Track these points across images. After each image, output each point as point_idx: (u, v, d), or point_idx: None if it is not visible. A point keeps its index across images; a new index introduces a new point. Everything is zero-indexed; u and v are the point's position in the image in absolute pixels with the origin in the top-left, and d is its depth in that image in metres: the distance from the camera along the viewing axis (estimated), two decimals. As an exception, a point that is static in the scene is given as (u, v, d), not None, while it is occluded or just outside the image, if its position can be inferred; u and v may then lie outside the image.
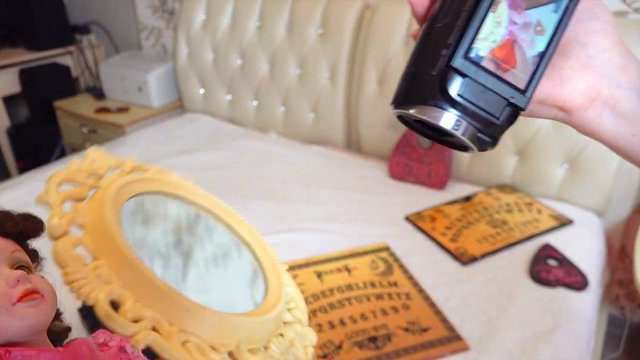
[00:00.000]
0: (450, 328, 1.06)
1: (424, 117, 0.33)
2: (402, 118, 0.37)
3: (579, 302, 1.13)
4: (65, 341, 0.49)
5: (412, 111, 0.34)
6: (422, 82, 0.34)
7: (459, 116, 0.33)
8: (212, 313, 0.24)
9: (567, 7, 0.34)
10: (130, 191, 0.26)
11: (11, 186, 1.65)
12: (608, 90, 0.36)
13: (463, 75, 0.32)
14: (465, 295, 1.15)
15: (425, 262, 1.26)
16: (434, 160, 1.58)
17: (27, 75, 2.38)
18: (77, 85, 2.59)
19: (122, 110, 2.26)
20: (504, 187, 1.55)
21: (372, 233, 1.37)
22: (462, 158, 1.63)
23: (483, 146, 0.36)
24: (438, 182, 1.58)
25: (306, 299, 1.14)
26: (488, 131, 0.34)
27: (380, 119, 1.76)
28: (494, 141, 0.35)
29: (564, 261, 1.22)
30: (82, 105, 2.34)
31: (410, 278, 1.21)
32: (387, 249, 1.31)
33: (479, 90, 0.33)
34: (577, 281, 1.16)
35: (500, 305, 1.11)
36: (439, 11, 0.34)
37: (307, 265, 1.24)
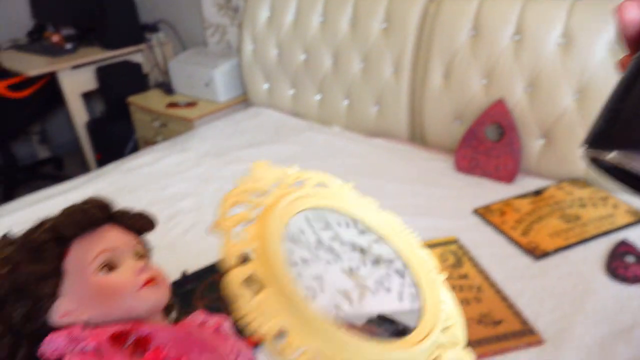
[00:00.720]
0: (524, 322, 1.07)
1: (630, 166, 0.28)
2: (595, 161, 0.31)
3: (660, 300, 1.10)
4: (170, 315, 0.56)
5: (612, 155, 0.29)
6: (631, 123, 0.28)
7: None
8: (371, 345, 0.26)
9: None
10: (297, 208, 0.29)
11: (94, 178, 1.78)
12: None
13: None
14: (539, 291, 1.14)
15: (495, 255, 1.26)
16: (502, 153, 1.57)
17: (103, 73, 2.53)
18: (147, 81, 2.73)
19: (191, 105, 2.37)
20: (576, 181, 1.52)
21: (440, 226, 1.38)
22: (531, 151, 1.60)
23: None
24: (506, 175, 1.57)
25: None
26: None
27: (445, 112, 1.76)
28: None
29: (642, 258, 1.19)
30: (153, 100, 2.47)
31: (481, 271, 1.22)
32: (456, 242, 1.32)
33: None
34: (657, 278, 1.13)
35: (576, 301, 1.10)
36: None
37: (377, 256, 1.28)
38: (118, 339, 0.43)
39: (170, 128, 2.36)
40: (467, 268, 1.23)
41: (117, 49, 2.58)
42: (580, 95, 1.49)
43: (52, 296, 0.44)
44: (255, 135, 2.03)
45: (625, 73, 0.30)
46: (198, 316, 0.51)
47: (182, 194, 1.64)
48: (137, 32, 2.64)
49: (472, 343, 1.02)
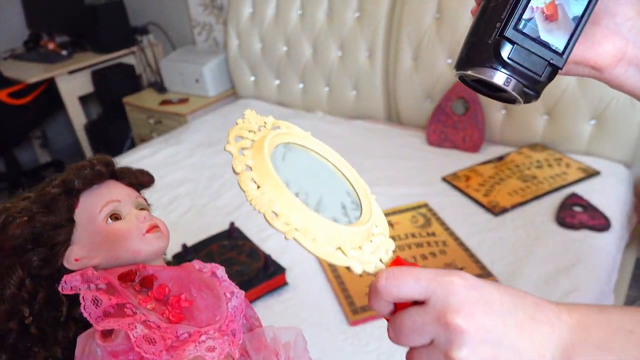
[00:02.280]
0: (482, 267, 1.22)
1: (482, 76, 0.42)
2: (462, 79, 0.46)
3: (601, 242, 1.25)
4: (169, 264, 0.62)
5: (470, 72, 0.42)
6: (480, 49, 0.42)
7: (509, 75, 0.41)
8: (331, 224, 0.38)
9: None
10: (275, 142, 0.41)
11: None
12: (632, 51, 0.44)
13: (513, 43, 0.41)
14: (496, 241, 1.30)
15: (460, 215, 1.41)
16: (467, 125, 1.71)
17: (98, 76, 2.66)
18: (140, 81, 2.87)
19: (183, 101, 2.51)
20: (535, 146, 1.67)
21: (412, 193, 1.53)
22: (494, 122, 1.75)
23: (528, 98, 0.44)
24: (472, 146, 1.71)
25: (355, 250, 1.32)
26: (533, 87, 0.42)
27: (416, 91, 1.90)
28: (537, 95, 0.44)
29: (588, 207, 1.34)
30: (147, 99, 2.60)
31: (447, 229, 1.37)
32: (425, 205, 1.47)
33: (525, 54, 0.41)
34: (599, 223, 1.28)
35: (527, 247, 1.25)
36: None
37: (355, 222, 1.42)
38: (125, 278, 0.48)
39: (165, 124, 2.50)
40: (434, 227, 1.38)
41: (110, 52, 2.71)
42: (535, 68, 1.63)
43: (66, 243, 0.49)
44: (244, 124, 2.17)
45: (475, 17, 0.45)
46: (195, 263, 0.56)
47: (179, 181, 1.78)
48: (128, 35, 2.77)
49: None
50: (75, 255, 0.50)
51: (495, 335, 0.34)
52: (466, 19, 1.73)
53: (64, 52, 2.67)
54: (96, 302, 0.45)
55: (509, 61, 0.41)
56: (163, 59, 2.67)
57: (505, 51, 0.41)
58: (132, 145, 2.76)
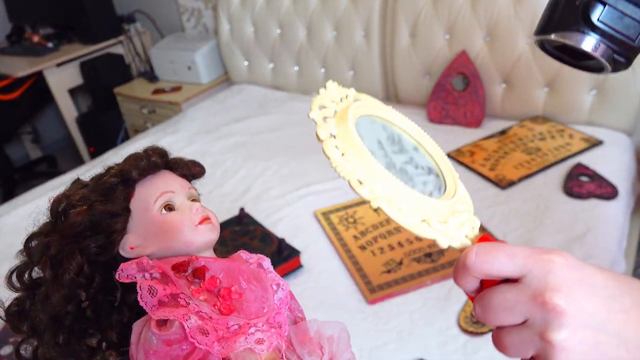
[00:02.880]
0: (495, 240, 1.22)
1: (567, 41, 0.38)
2: (542, 46, 0.42)
3: (610, 210, 1.26)
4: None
5: (554, 36, 0.39)
6: (566, 10, 0.38)
7: (598, 39, 0.38)
8: (417, 195, 0.38)
9: None
10: (358, 113, 0.40)
11: (94, 167, 1.90)
12: None
13: (604, 3, 0.37)
14: (506, 214, 1.31)
15: (467, 190, 1.41)
16: (468, 101, 1.71)
17: (87, 67, 2.61)
18: (130, 71, 2.82)
19: (176, 89, 2.47)
20: (536, 119, 1.67)
21: (418, 171, 1.53)
22: (495, 96, 1.75)
23: (617, 66, 0.40)
24: (474, 121, 1.71)
25: (366, 229, 1.33)
26: (624, 52, 0.39)
27: (414, 69, 1.89)
28: (628, 62, 0.40)
29: (595, 176, 1.36)
30: (139, 89, 2.57)
31: (456, 204, 1.37)
32: (432, 182, 1.47)
33: (618, 17, 0.37)
34: (607, 192, 1.30)
35: (537, 218, 1.27)
36: None
37: (363, 202, 1.42)
38: (179, 269, 0.48)
39: (159, 114, 2.47)
40: (443, 203, 1.39)
41: (97, 43, 2.66)
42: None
43: (122, 231, 0.50)
44: (241, 110, 2.15)
45: None
46: (242, 254, 0.55)
47: (180, 169, 1.76)
48: (115, 24, 2.71)
49: (452, 262, 1.18)
50: (131, 243, 0.51)
51: (598, 320, 0.32)
52: (463, -6, 1.72)
53: (50, 45, 2.61)
54: (152, 291, 0.45)
55: (599, 24, 0.38)
56: (152, 48, 2.62)
57: (596, 13, 0.38)
58: (126, 136, 2.73)
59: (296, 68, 2.23)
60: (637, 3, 0.38)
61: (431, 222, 0.37)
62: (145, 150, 0.55)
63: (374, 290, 1.14)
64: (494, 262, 0.33)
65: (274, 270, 0.56)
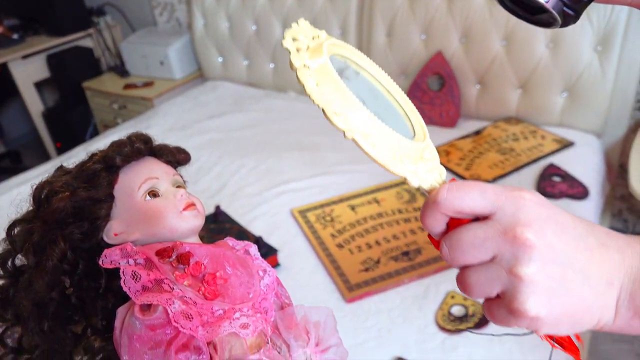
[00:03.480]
0: (471, 239, 1.24)
1: None
2: (501, 1, 0.45)
3: (581, 209, 1.29)
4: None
5: None
6: None
7: None
8: (392, 132, 0.36)
9: None
10: (331, 51, 0.39)
11: (62, 162, 1.84)
12: None
13: None
14: (482, 213, 1.32)
15: (444, 189, 1.43)
16: (444, 101, 1.73)
17: (55, 60, 2.53)
18: (100, 65, 2.74)
19: (148, 84, 2.42)
20: (510, 119, 1.70)
21: (395, 170, 1.54)
22: (469, 97, 1.77)
23: (567, 20, 0.42)
24: (449, 121, 1.73)
25: (344, 228, 1.32)
26: (572, 5, 0.41)
27: (391, 68, 1.90)
28: (577, 15, 0.42)
29: (566, 177, 1.39)
30: (109, 83, 2.50)
31: (432, 203, 1.38)
32: (409, 181, 1.48)
33: None
34: (578, 192, 1.33)
35: (512, 217, 1.28)
36: None
37: (341, 200, 1.42)
38: (163, 254, 0.48)
39: (130, 109, 2.41)
40: (420, 202, 1.39)
41: (65, 35, 2.57)
42: (508, 42, 1.66)
43: (106, 218, 0.50)
44: (215, 107, 2.12)
45: None
46: (228, 241, 0.55)
47: (153, 166, 1.72)
48: (84, 16, 2.63)
49: (430, 260, 1.19)
50: (115, 230, 0.50)
51: (565, 256, 0.32)
52: (440, -6, 1.73)
53: (15, 36, 2.52)
54: (135, 276, 0.45)
55: None
56: (123, 42, 2.56)
57: None
58: (96, 131, 2.65)
59: (272, 65, 2.21)
60: None
61: (403, 161, 0.36)
62: (129, 137, 0.54)
63: (352, 288, 1.13)
64: (466, 197, 0.33)
65: (260, 257, 0.56)
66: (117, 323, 0.45)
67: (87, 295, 0.50)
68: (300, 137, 1.77)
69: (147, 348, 0.44)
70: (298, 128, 1.84)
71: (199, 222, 0.52)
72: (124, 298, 0.47)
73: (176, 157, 0.57)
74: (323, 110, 0.35)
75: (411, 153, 0.37)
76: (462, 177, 1.46)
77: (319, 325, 0.55)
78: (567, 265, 0.32)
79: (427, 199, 0.35)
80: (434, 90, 1.75)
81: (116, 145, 0.53)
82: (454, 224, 0.34)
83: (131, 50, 2.49)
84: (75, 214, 0.49)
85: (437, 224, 0.35)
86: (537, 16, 0.44)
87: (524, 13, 0.44)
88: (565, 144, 1.54)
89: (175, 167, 0.57)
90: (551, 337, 0.37)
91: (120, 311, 0.46)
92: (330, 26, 1.98)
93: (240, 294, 0.49)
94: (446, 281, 1.14)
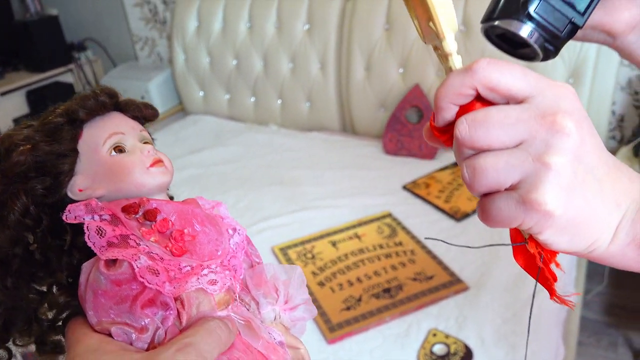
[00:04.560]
0: (452, 274, 1.24)
1: (508, 28, 0.45)
2: (487, 34, 0.48)
3: (560, 241, 1.30)
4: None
5: (497, 23, 0.46)
6: (508, 2, 0.46)
7: (533, 28, 0.45)
8: None
9: None
10: None
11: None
12: None
13: None
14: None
15: (424, 222, 1.44)
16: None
17: (34, 96, 2.52)
18: (80, 100, 2.73)
19: (128, 119, 2.41)
20: (488, 151, 1.72)
21: (375, 203, 1.54)
22: (448, 129, 1.79)
23: (547, 54, 0.46)
24: (429, 153, 1.75)
25: (325, 265, 1.31)
26: (553, 42, 0.46)
27: (370, 101, 1.92)
28: (556, 51, 0.46)
29: (544, 208, 1.40)
30: (89, 118, 2.48)
31: (413, 237, 1.38)
32: (389, 215, 1.48)
33: (550, 10, 0.45)
34: (556, 223, 1.34)
35: (492, 250, 1.29)
36: None
37: (322, 236, 1.42)
38: (129, 210, 0.47)
39: (110, 144, 2.39)
40: (401, 236, 1.39)
41: (45, 71, 2.56)
42: (483, 75, 1.69)
43: (69, 173, 0.48)
44: (196, 141, 2.12)
45: None
46: (198, 199, 0.54)
47: (133, 203, 1.70)
48: (65, 52, 2.63)
49: (411, 297, 1.18)
50: (79, 185, 0.49)
51: (592, 160, 0.31)
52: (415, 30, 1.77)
53: (-6, 72, 2.51)
54: (100, 232, 0.45)
55: (535, 15, 0.44)
56: (104, 76, 2.56)
57: (533, 5, 0.44)
58: (75, 167, 2.62)
59: (252, 99, 2.22)
60: (566, 1, 0.46)
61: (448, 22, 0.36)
62: (94, 90, 0.52)
63: (334, 329, 1.12)
64: (507, 72, 0.31)
65: (230, 216, 0.55)
66: (82, 279, 0.45)
67: (51, 252, 0.49)
68: (280, 172, 1.77)
69: (112, 303, 0.44)
70: (278, 162, 1.84)
71: (167, 178, 0.51)
72: (90, 254, 0.46)
73: (143, 112, 0.55)
74: None
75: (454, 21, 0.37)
76: (442, 210, 1.46)
77: (289, 283, 0.56)
78: (590, 171, 0.31)
79: (454, 71, 0.32)
80: (413, 123, 1.77)
81: (80, 99, 0.51)
82: (464, 109, 0.32)
83: (112, 84, 2.43)
84: (37, 169, 0.47)
85: (459, 99, 0.32)
86: (520, 50, 0.47)
87: (507, 47, 0.47)
88: (543, 175, 1.56)
89: (142, 123, 0.56)
90: (539, 252, 0.35)
91: (86, 266, 0.45)
92: (310, 60, 2.00)
93: (209, 251, 0.48)
94: (428, 318, 1.13)
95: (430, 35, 0.38)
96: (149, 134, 0.55)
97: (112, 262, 0.44)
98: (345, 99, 2.00)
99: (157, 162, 0.50)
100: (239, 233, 0.52)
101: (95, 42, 2.72)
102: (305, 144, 1.97)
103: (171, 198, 0.55)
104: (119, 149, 0.50)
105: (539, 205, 0.30)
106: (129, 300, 0.44)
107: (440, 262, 1.28)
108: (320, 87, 2.02)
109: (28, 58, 2.56)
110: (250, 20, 2.10)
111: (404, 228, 1.42)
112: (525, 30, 0.45)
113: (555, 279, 0.37)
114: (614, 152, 1.67)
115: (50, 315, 0.51)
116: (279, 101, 2.16)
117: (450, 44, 0.36)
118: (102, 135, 0.50)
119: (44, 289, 0.50)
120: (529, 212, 0.30)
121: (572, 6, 0.46)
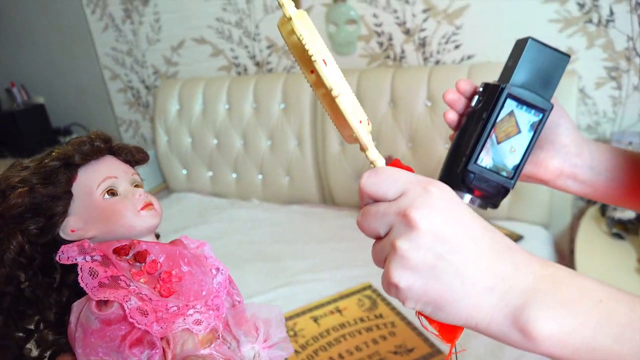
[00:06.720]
0: (432, 345, 1.25)
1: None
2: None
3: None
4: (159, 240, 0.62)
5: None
6: (453, 175, 0.58)
7: (473, 197, 0.58)
8: (355, 99, 0.43)
9: (537, 128, 0.58)
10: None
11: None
12: (569, 169, 0.61)
13: (474, 174, 0.57)
14: (441, 315, 1.34)
15: (403, 293, 1.46)
16: (398, 202, 1.80)
17: (19, 182, 2.55)
18: (65, 183, 2.78)
19: (113, 200, 2.45)
20: (462, 216, 1.78)
21: (356, 275, 1.57)
22: (423, 196, 1.86)
23: (489, 207, 0.59)
24: (405, 221, 1.80)
25: (307, 342, 1.32)
26: (492, 202, 0.59)
27: (347, 174, 1.99)
28: (495, 207, 0.60)
29: (518, 272, 1.44)
30: (74, 201, 2.52)
31: (393, 309, 1.40)
32: (370, 287, 1.50)
33: (484, 181, 0.57)
34: (530, 287, 1.37)
35: (470, 318, 1.31)
36: (463, 129, 0.59)
37: (303, 312, 1.43)
38: (120, 252, 0.50)
39: (94, 225, 2.41)
40: (381, 308, 1.41)
41: (31, 157, 2.62)
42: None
43: (63, 214, 0.51)
44: (180, 220, 2.15)
45: (451, 146, 0.61)
46: (183, 239, 0.57)
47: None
48: (50, 137, 2.71)
49: (392, 372, 1.19)
50: (72, 226, 0.51)
51: (445, 248, 0.36)
52: (384, 107, 1.87)
53: (-20, 161, 2.56)
54: (93, 273, 0.47)
55: (472, 186, 0.57)
56: (89, 159, 2.61)
57: (468, 180, 0.57)
58: (60, 250, 2.62)
59: (234, 175, 2.29)
60: (496, 172, 0.58)
61: (365, 125, 0.42)
62: (89, 135, 0.55)
63: (317, 410, 1.11)
64: (382, 182, 0.38)
65: (213, 256, 0.58)
66: (72, 317, 0.46)
67: (41, 290, 0.51)
68: (262, 247, 1.80)
69: (101, 342, 0.45)
70: (260, 237, 1.88)
71: (156, 221, 0.54)
72: (78, 292, 0.48)
73: (135, 157, 0.59)
74: (315, 62, 0.39)
75: (365, 121, 0.44)
76: (420, 279, 1.49)
77: (268, 322, 0.57)
78: (442, 257, 0.36)
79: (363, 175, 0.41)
80: (388, 193, 1.83)
81: (76, 144, 0.54)
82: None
83: (96, 167, 2.54)
84: (32, 210, 0.50)
85: (363, 203, 0.41)
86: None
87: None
88: (515, 238, 1.61)
89: (133, 167, 0.59)
90: (418, 314, 0.41)
91: (76, 306, 0.47)
92: (287, 137, 2.09)
93: (194, 291, 0.51)
94: (410, 393, 1.13)
95: (350, 138, 0.44)
96: (140, 176, 0.59)
97: (103, 303, 0.46)
98: (324, 173, 2.07)
99: (148, 205, 0.54)
100: (222, 273, 0.56)
101: (80, 126, 2.81)
102: (286, 218, 2.01)
103: (157, 236, 0.58)
104: (112, 192, 0.53)
105: (388, 277, 0.37)
106: (118, 339, 0.45)
107: (420, 334, 1.29)
108: (299, 162, 2.09)
109: (14, 145, 2.63)
110: (228, 101, 2.21)
111: (384, 299, 1.44)
112: (467, 198, 0.58)
113: (451, 340, 0.42)
114: (582, 212, 1.74)
115: (35, 352, 0.52)
116: (260, 176, 2.22)
117: (367, 142, 0.43)
118: (96, 179, 0.53)
119: (32, 326, 0.52)
120: (386, 285, 0.38)
121: (502, 175, 0.57)
